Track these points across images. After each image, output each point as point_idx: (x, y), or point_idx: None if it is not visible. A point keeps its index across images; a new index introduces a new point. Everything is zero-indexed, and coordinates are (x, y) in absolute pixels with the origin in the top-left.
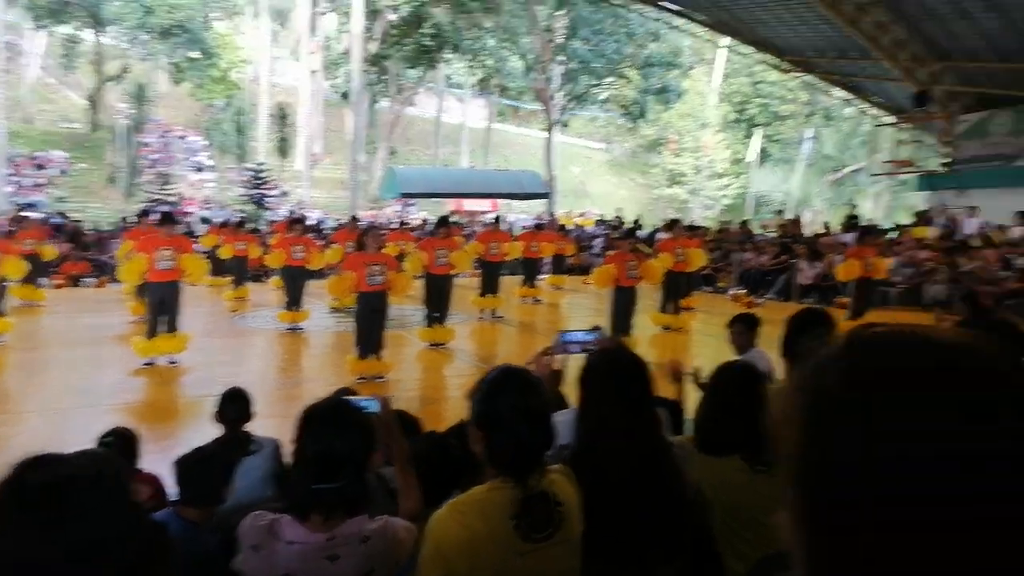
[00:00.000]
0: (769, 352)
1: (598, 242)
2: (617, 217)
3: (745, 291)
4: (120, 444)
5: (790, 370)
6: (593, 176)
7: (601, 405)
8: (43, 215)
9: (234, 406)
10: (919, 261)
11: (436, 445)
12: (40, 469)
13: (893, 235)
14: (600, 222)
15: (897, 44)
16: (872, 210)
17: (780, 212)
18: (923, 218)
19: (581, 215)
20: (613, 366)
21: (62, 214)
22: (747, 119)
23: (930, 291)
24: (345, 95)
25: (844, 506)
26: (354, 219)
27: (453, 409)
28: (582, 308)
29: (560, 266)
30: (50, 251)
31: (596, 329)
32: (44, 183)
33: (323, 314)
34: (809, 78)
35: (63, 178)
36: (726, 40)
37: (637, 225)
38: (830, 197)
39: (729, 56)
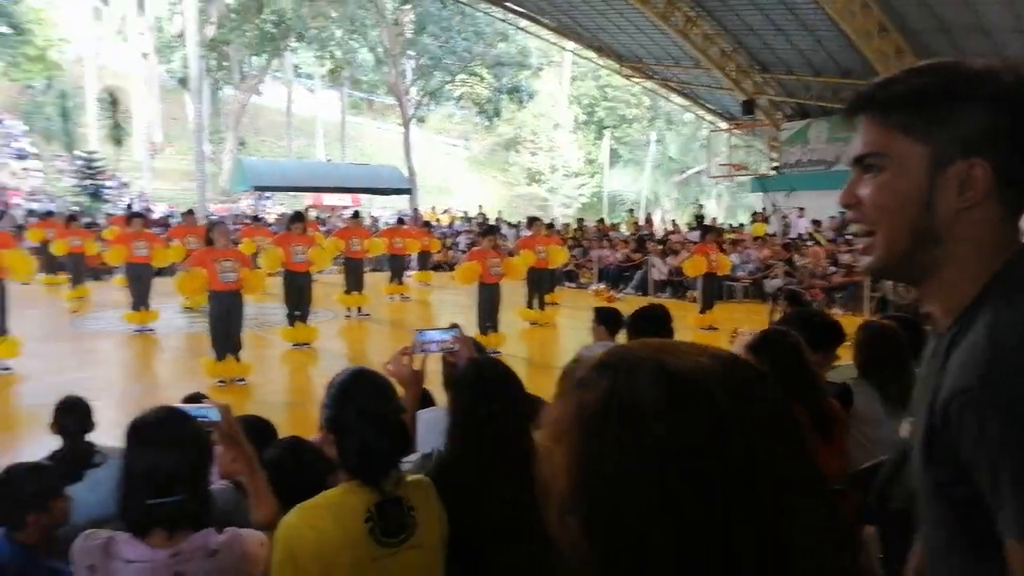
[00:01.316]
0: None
1: (463, 239)
2: (481, 214)
3: (605, 286)
4: None
5: None
6: (454, 173)
7: (474, 419)
8: None
9: (72, 417)
10: (761, 258)
11: (290, 451)
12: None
13: (732, 235)
14: (464, 219)
15: (724, 55)
16: (715, 209)
17: (631, 211)
18: (760, 217)
19: (444, 212)
20: (483, 377)
21: None
22: (596, 121)
23: (770, 284)
24: (183, 81)
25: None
26: (190, 212)
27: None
28: (451, 305)
29: (426, 263)
30: None
31: (453, 327)
32: None
33: (175, 314)
34: (650, 84)
35: None
36: (571, 44)
37: (498, 222)
38: (677, 197)
39: (576, 59)
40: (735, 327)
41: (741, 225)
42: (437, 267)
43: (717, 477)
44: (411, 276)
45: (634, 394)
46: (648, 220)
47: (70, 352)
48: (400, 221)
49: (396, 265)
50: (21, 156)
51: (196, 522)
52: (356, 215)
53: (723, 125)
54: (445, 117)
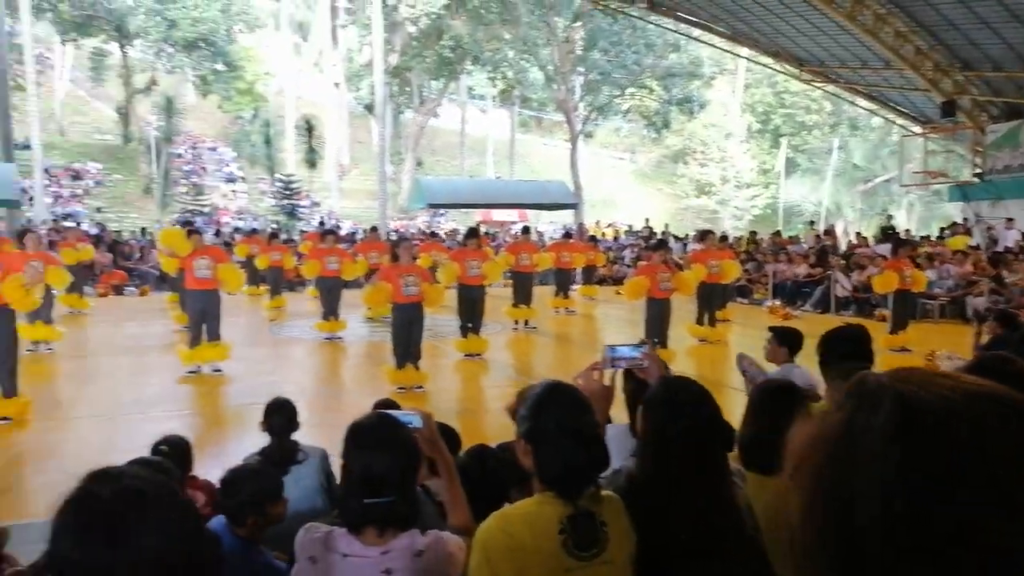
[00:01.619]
0: (809, 366)
1: (628, 253)
2: (648, 227)
3: (781, 303)
4: (174, 452)
5: (829, 390)
6: (620, 186)
7: (664, 438)
8: (76, 224)
9: (280, 417)
10: (962, 274)
11: (479, 458)
12: (106, 481)
13: (928, 248)
14: (630, 232)
15: (919, 54)
16: (906, 220)
17: (812, 223)
18: (960, 229)
19: (609, 225)
20: (675, 397)
21: (101, 224)
22: (772, 129)
23: (973, 303)
24: (369, 107)
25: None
26: (374, 229)
27: (492, 421)
28: (616, 319)
29: (591, 277)
30: (87, 252)
31: (643, 344)
32: (81, 194)
33: (359, 324)
34: (832, 88)
35: (99, 189)
36: (746, 51)
37: (665, 235)
38: (862, 208)
39: (750, 66)
40: (931, 349)
41: (940, 237)
42: (602, 281)
43: (948, 506)
44: (576, 290)
45: (870, 422)
46: (829, 232)
47: (268, 357)
48: (567, 235)
49: (562, 279)
50: (230, 179)
51: (404, 523)
52: (526, 230)
53: (917, 129)
54: (612, 131)
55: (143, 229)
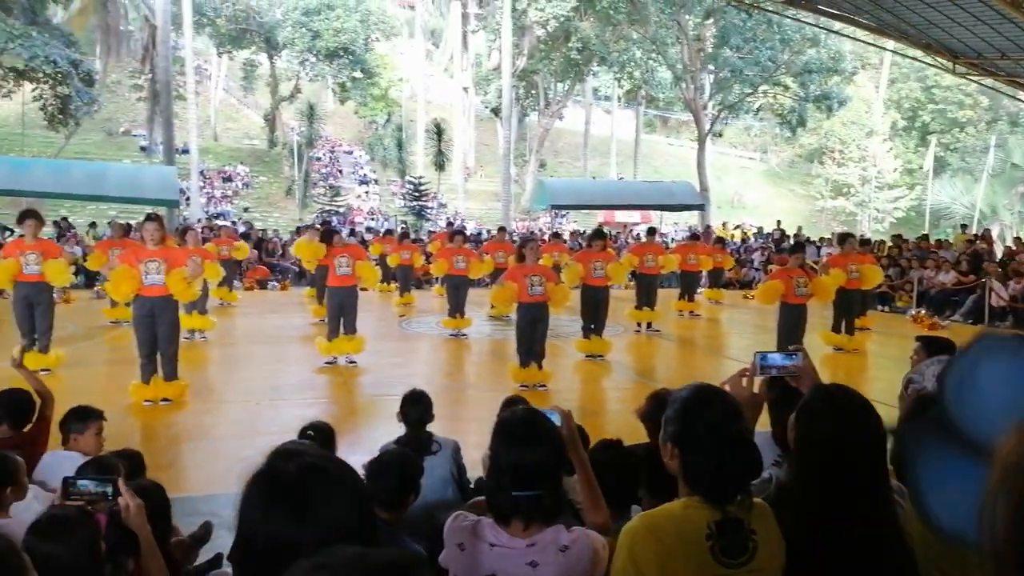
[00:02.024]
0: None
1: (757, 256)
2: (779, 230)
3: (927, 312)
4: (320, 438)
5: None
6: (749, 187)
7: (824, 450)
8: (232, 223)
9: (417, 408)
10: None
11: (612, 452)
12: (290, 458)
13: None
14: (760, 234)
15: None
16: None
17: (964, 227)
18: None
19: (737, 227)
20: (832, 405)
21: (248, 223)
22: (920, 127)
23: None
24: (496, 110)
25: None
26: (502, 230)
27: (614, 422)
28: (743, 324)
29: (718, 280)
30: (243, 249)
31: (796, 352)
32: (231, 195)
33: (483, 321)
34: (990, 82)
35: (246, 190)
36: (892, 44)
37: (797, 238)
38: (1021, 211)
39: (896, 60)
40: None
41: None
42: (728, 285)
43: None
44: (702, 293)
45: None
46: (984, 236)
47: (397, 351)
48: (694, 236)
49: (688, 282)
50: (364, 181)
51: (550, 517)
52: (652, 231)
53: None
54: (742, 130)
55: (276, 231)
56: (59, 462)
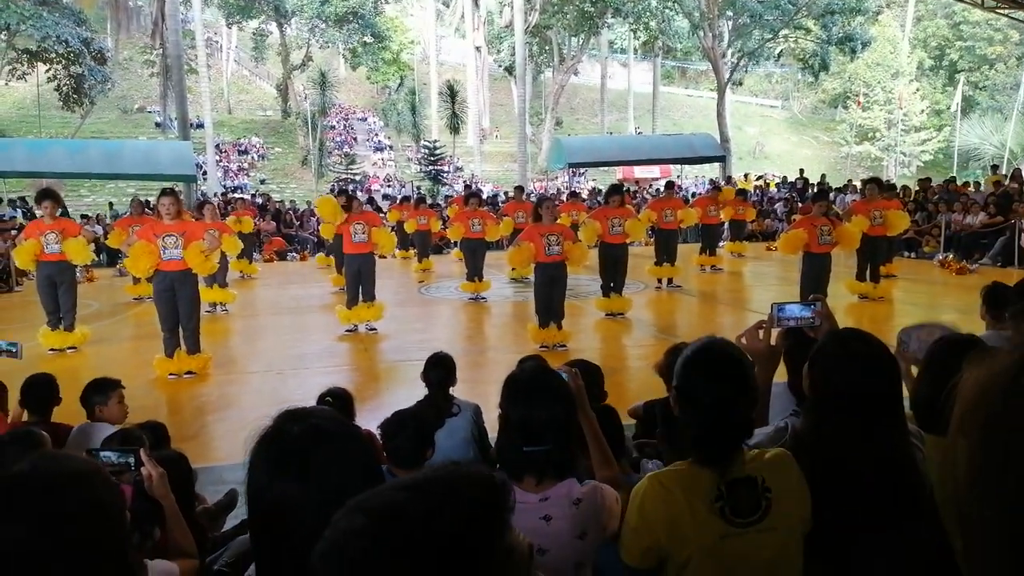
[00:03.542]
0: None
1: (780, 206)
2: (802, 178)
3: (954, 256)
4: (338, 404)
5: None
6: (770, 136)
7: (839, 399)
8: (249, 195)
9: (439, 370)
10: None
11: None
12: (295, 420)
13: None
14: (783, 184)
15: None
16: None
17: (995, 167)
18: None
19: (760, 178)
20: (846, 351)
21: (265, 195)
22: (947, 65)
23: None
24: (509, 69)
25: None
26: (519, 189)
27: (635, 380)
28: (767, 277)
29: (740, 232)
30: (248, 223)
31: (815, 301)
32: (247, 167)
33: (502, 284)
34: (1021, 15)
35: (262, 162)
36: None
37: (825, 186)
38: None
39: None
40: None
41: None
42: (751, 237)
43: None
44: (723, 247)
45: None
46: (1015, 176)
47: (417, 316)
48: (715, 187)
49: (709, 235)
50: (379, 148)
51: (561, 471)
52: (670, 185)
53: None
54: (763, 78)
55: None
56: (91, 433)
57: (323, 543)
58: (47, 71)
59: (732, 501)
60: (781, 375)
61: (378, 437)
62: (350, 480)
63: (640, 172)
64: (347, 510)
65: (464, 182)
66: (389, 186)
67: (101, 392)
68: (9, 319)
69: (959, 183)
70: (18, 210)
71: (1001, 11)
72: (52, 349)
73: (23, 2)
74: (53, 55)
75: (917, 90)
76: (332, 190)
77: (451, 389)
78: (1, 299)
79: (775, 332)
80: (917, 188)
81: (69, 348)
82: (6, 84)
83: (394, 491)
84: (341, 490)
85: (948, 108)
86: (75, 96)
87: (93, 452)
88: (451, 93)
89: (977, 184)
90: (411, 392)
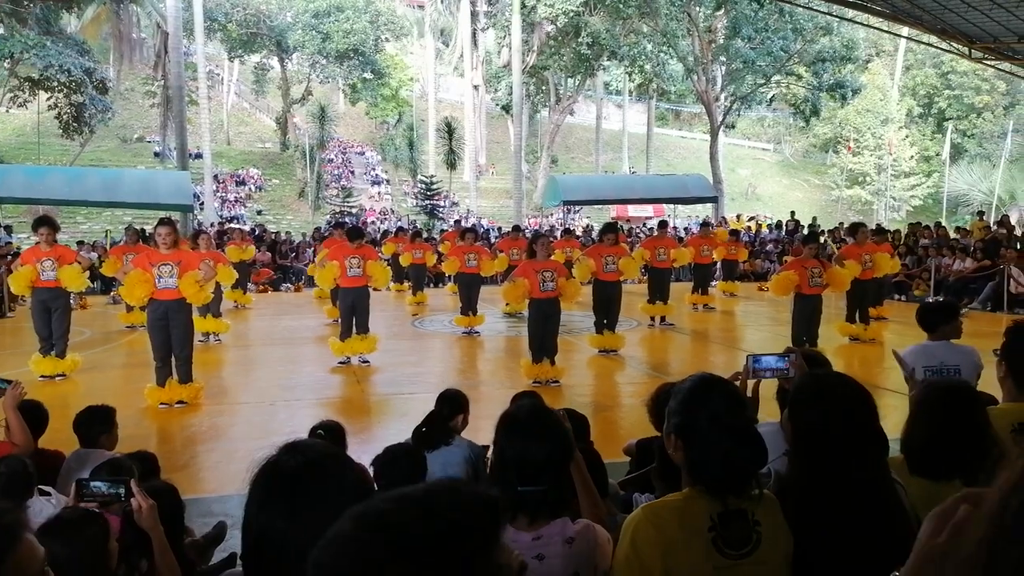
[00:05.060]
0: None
1: (772, 247)
2: (793, 220)
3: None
4: (330, 436)
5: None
6: (762, 178)
7: (811, 439)
8: (247, 226)
9: (444, 405)
10: None
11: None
12: (294, 453)
13: None
14: (776, 226)
15: None
16: None
17: (981, 214)
18: None
19: (752, 219)
20: (824, 396)
21: (261, 226)
22: (936, 113)
23: None
24: (506, 107)
25: None
26: (516, 228)
27: (627, 416)
28: (757, 316)
29: (732, 272)
30: (250, 251)
31: (790, 353)
32: (244, 198)
33: (496, 319)
34: (1008, 66)
35: (260, 193)
36: (907, 30)
37: (817, 228)
38: None
39: (911, 47)
40: None
41: None
42: (743, 277)
43: None
44: (716, 286)
45: None
46: (1002, 222)
47: (411, 349)
48: (705, 225)
49: (701, 275)
50: (376, 182)
51: (555, 511)
52: (663, 224)
53: None
54: (755, 121)
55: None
56: (87, 460)
57: (315, 548)
58: (48, 99)
59: (724, 532)
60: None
61: (370, 472)
62: (341, 511)
63: (633, 211)
64: (341, 518)
65: (457, 217)
66: (385, 220)
67: (103, 421)
68: (1, 345)
69: (949, 229)
70: (14, 236)
71: (988, 62)
72: (43, 376)
73: (28, 31)
74: (55, 83)
75: (906, 136)
76: (329, 223)
77: (462, 429)
78: None
79: (751, 383)
80: (907, 232)
81: (59, 375)
82: (7, 111)
83: (385, 501)
84: (331, 521)
85: (937, 155)
86: (75, 124)
87: (83, 482)
88: (448, 130)
89: (965, 231)
90: (403, 425)
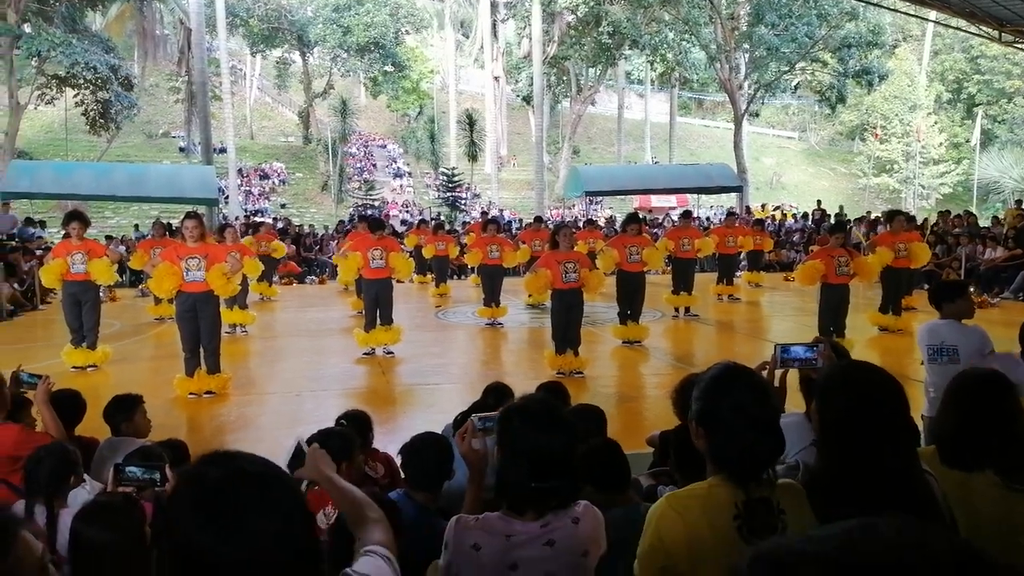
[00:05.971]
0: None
1: (797, 237)
2: (819, 209)
3: (975, 289)
4: (355, 425)
5: None
6: (787, 167)
7: (841, 429)
8: (271, 219)
9: (491, 396)
10: None
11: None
12: (217, 464)
13: None
14: (801, 216)
15: None
16: None
17: (1019, 202)
18: None
19: (777, 208)
20: (846, 380)
21: (286, 219)
22: (965, 99)
23: None
24: (527, 98)
25: None
26: (538, 219)
27: (651, 408)
28: (783, 306)
29: (757, 262)
30: (280, 248)
31: (818, 343)
32: (268, 191)
33: (519, 310)
34: None
35: (283, 187)
36: (935, 14)
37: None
38: None
39: (939, 31)
40: None
41: None
42: (768, 267)
43: None
44: (740, 276)
45: None
46: None
47: (434, 340)
48: (731, 214)
49: (726, 265)
50: (398, 175)
51: (564, 505)
52: (687, 214)
53: None
54: (779, 109)
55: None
56: (118, 447)
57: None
58: (75, 96)
59: (750, 520)
60: (798, 405)
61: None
62: (277, 533)
63: (656, 201)
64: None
65: (481, 209)
66: (407, 212)
67: (123, 410)
68: (33, 337)
69: (981, 216)
70: (46, 230)
71: (1019, 45)
72: (74, 367)
73: (54, 30)
74: (81, 81)
75: (935, 123)
76: (352, 216)
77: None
78: (26, 317)
79: (778, 373)
80: (936, 220)
81: (90, 366)
82: (35, 108)
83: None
84: (266, 546)
85: (967, 141)
86: (102, 121)
87: (119, 467)
88: (469, 121)
89: (997, 219)
90: (427, 415)
